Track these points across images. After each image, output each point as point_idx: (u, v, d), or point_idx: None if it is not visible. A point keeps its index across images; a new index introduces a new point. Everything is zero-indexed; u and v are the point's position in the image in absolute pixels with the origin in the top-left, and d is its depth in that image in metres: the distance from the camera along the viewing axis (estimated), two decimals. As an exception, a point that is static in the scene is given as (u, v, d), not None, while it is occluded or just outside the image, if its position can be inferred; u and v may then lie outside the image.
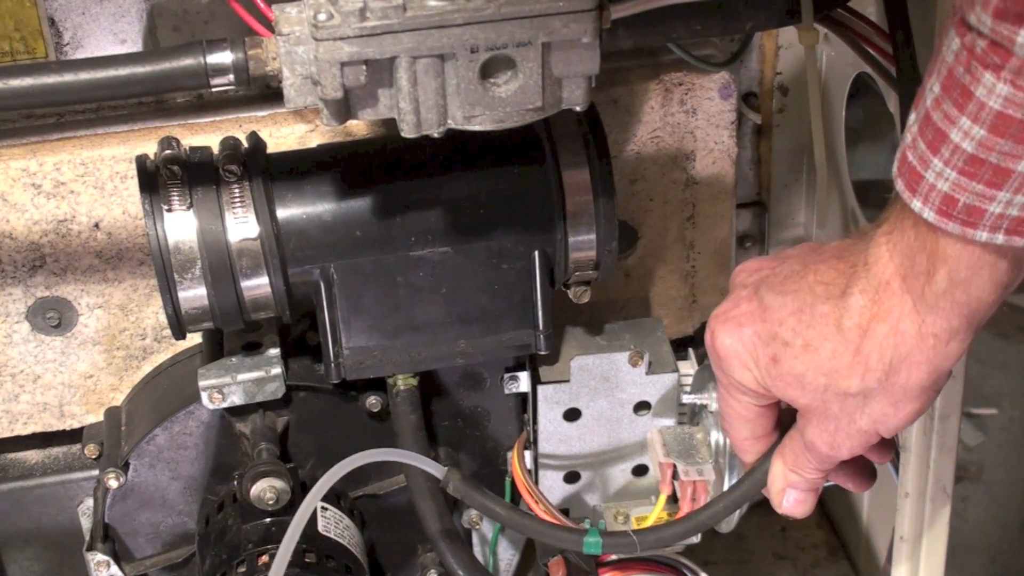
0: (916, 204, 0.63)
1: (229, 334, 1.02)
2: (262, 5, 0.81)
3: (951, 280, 0.65)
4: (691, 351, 1.08)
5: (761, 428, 0.81)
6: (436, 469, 0.91)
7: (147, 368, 1.10)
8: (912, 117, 0.64)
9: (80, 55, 1.02)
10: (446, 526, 0.96)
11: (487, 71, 0.76)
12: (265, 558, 0.96)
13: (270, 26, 0.79)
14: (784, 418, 0.81)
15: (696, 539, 1.05)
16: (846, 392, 0.72)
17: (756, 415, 0.80)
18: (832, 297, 0.71)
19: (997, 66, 0.58)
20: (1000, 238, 0.62)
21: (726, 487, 1.01)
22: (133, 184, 1.02)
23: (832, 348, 0.71)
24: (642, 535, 0.90)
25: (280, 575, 0.87)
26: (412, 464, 0.93)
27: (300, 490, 0.99)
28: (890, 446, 0.84)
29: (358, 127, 1.06)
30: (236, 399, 0.99)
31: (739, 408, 0.80)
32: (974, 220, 0.62)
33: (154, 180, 0.93)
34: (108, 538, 1.03)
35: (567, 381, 1.05)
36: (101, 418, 1.10)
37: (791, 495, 0.80)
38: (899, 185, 0.64)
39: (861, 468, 0.84)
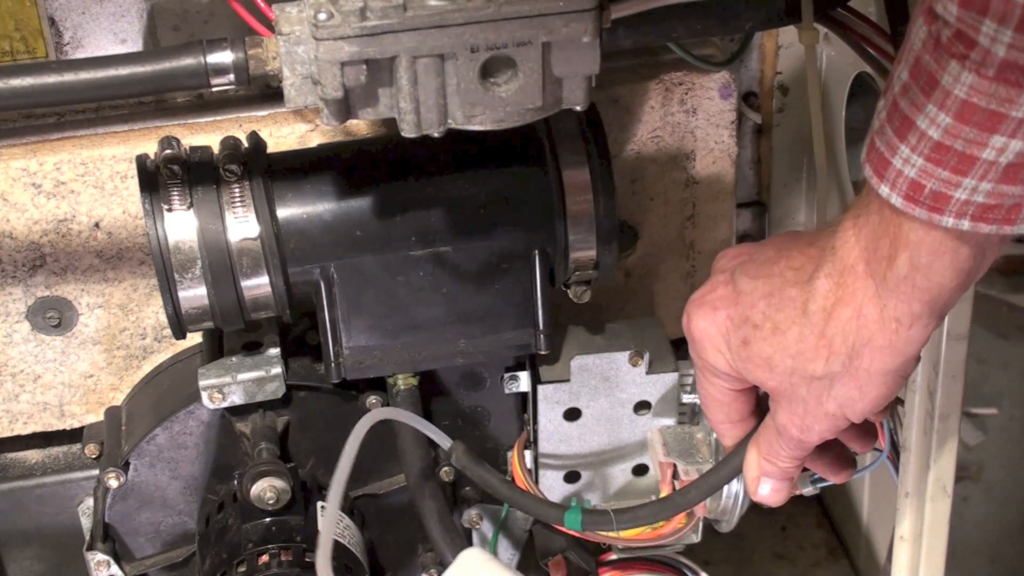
0: (884, 189, 0.64)
1: (229, 334, 1.02)
2: (262, 5, 0.81)
3: (912, 265, 0.66)
4: (691, 351, 1.08)
5: (736, 413, 0.82)
6: (443, 439, 0.95)
7: (147, 368, 1.10)
8: (880, 104, 0.65)
9: (80, 55, 1.02)
10: (446, 526, 0.96)
11: (487, 71, 0.76)
12: (265, 558, 0.96)
13: (270, 26, 0.79)
14: (764, 405, 0.82)
15: (696, 538, 1.05)
16: (812, 375, 0.73)
17: (731, 399, 0.81)
18: (800, 282, 0.73)
19: (962, 55, 0.58)
20: (966, 224, 0.63)
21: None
22: (133, 184, 1.02)
23: (798, 331, 0.72)
24: (619, 514, 0.93)
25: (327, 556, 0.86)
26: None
27: (300, 490, 0.99)
28: (870, 435, 0.84)
29: (358, 127, 1.06)
30: (236, 399, 0.99)
31: (714, 392, 0.81)
32: (940, 206, 0.63)
33: (154, 180, 0.93)
34: (108, 538, 1.03)
35: (567, 381, 1.05)
36: (101, 418, 1.10)
37: (766, 484, 0.81)
38: (867, 171, 0.65)
39: (838, 457, 0.85)
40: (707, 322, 0.78)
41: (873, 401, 0.73)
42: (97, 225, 1.04)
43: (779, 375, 0.74)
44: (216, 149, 0.95)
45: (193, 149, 0.95)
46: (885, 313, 0.69)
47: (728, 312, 0.77)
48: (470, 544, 0.94)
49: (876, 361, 0.70)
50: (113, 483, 1.02)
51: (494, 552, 1.12)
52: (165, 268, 0.92)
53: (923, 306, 0.68)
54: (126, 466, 1.02)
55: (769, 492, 0.81)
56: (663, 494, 1.03)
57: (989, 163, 0.60)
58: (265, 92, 1.04)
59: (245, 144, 0.96)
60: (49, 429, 1.12)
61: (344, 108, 0.77)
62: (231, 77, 0.80)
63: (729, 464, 0.85)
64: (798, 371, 0.73)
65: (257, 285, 0.94)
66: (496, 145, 0.95)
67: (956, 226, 0.63)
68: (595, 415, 1.06)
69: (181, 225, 0.92)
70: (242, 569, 0.96)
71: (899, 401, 0.97)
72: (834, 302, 0.70)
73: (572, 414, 1.06)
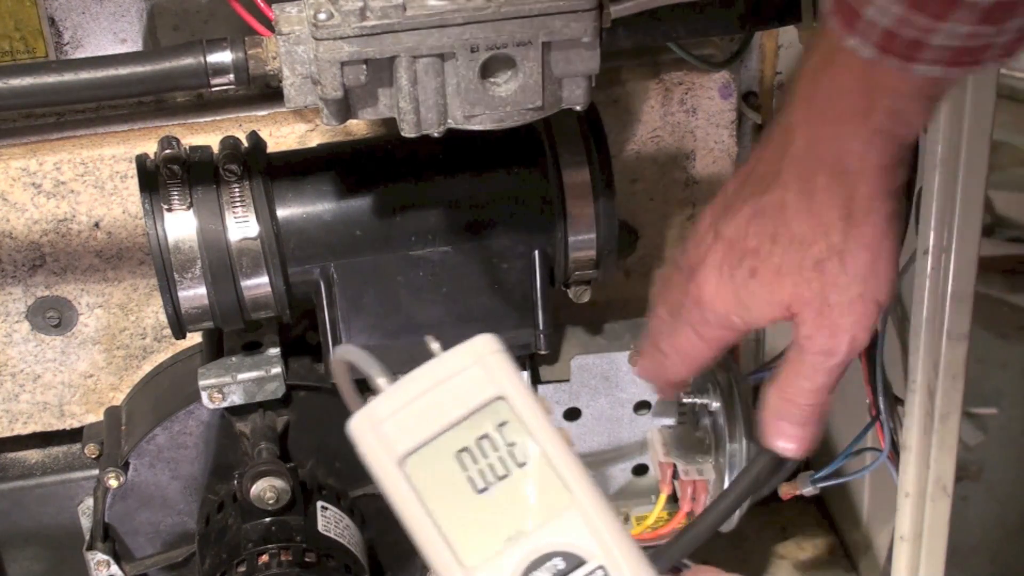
0: (852, 42, 0.63)
1: (229, 333, 1.02)
2: (262, 5, 0.82)
3: (889, 111, 0.65)
4: (691, 351, 1.08)
5: (706, 355, 0.79)
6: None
7: (147, 367, 1.10)
8: None
9: (80, 55, 1.02)
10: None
11: (487, 70, 0.76)
12: (265, 558, 0.96)
13: (270, 25, 0.79)
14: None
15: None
16: (819, 259, 0.70)
17: (713, 349, 0.78)
18: (771, 183, 0.71)
19: None
20: (938, 70, 0.62)
21: (726, 487, 1.01)
22: (133, 183, 1.02)
23: (789, 226, 0.70)
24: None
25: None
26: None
27: (300, 490, 0.99)
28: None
29: (358, 127, 1.06)
30: (236, 398, 0.99)
31: (694, 342, 0.78)
32: (913, 54, 0.62)
33: (154, 179, 0.93)
34: (108, 537, 1.03)
35: (567, 381, 1.05)
36: (101, 417, 1.10)
37: (782, 428, 0.76)
38: (833, 23, 0.63)
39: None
40: (714, 282, 0.74)
41: (887, 269, 0.70)
42: (97, 225, 1.04)
43: (793, 279, 0.71)
44: (216, 149, 0.95)
45: (193, 149, 0.95)
46: (865, 163, 0.67)
47: (724, 259, 0.73)
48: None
49: (871, 211, 0.69)
50: (113, 483, 1.02)
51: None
52: (165, 268, 0.92)
53: (897, 148, 0.67)
54: (126, 466, 1.02)
55: (785, 438, 0.76)
56: (663, 494, 1.03)
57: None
58: (265, 92, 1.04)
59: (245, 144, 0.96)
60: (49, 429, 1.12)
61: (344, 108, 0.77)
62: (231, 77, 0.80)
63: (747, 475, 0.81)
64: (806, 263, 0.70)
65: (257, 285, 0.94)
66: (496, 145, 0.95)
67: (927, 72, 0.62)
68: (595, 415, 1.06)
69: (181, 225, 0.92)
70: (242, 569, 0.96)
71: (899, 401, 0.97)
72: (808, 175, 0.69)
73: (572, 414, 1.06)
